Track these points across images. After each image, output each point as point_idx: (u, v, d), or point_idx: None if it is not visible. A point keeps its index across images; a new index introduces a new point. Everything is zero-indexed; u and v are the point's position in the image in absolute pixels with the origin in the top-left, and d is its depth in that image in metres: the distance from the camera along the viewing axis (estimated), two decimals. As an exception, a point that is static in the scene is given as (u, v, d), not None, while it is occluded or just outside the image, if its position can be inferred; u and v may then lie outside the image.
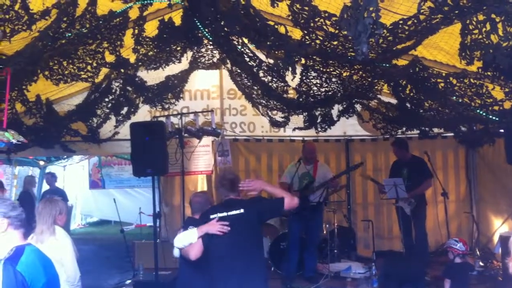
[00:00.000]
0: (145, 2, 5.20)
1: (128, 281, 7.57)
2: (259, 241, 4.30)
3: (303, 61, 5.14)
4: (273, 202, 4.33)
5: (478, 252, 8.14)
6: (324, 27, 3.82)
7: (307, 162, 7.63)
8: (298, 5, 3.75)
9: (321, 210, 7.66)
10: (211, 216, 4.17)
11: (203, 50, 6.99)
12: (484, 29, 3.25)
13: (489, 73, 4.04)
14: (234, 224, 4.07)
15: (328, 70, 5.29)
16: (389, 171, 8.36)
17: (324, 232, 8.31)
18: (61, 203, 4.57)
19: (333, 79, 5.63)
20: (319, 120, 7.39)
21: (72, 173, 16.86)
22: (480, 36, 3.33)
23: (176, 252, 4.73)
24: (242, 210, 4.13)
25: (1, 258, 2.68)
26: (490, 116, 5.22)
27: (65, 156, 13.58)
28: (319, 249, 8.18)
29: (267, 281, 4.27)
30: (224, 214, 4.15)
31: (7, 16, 3.84)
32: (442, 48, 5.13)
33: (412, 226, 7.71)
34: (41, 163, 14.30)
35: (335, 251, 8.10)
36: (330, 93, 5.96)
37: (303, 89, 5.87)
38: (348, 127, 9.20)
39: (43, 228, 4.29)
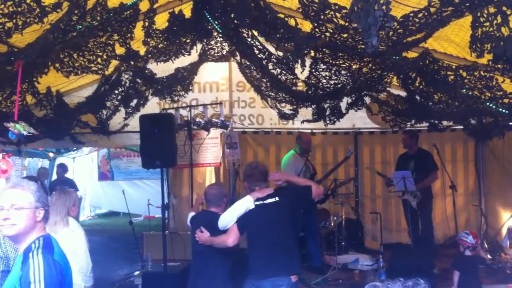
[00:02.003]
0: (156, -6, 5.21)
1: (137, 272, 7.61)
2: (293, 228, 4.45)
3: (312, 53, 5.14)
4: (303, 190, 4.44)
5: (486, 245, 8.14)
6: (334, 19, 3.82)
7: (302, 154, 7.66)
8: (308, -2, 3.75)
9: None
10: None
11: (212, 42, 6.99)
12: (495, 21, 3.25)
13: (499, 65, 4.03)
14: (270, 211, 4.24)
15: (337, 62, 5.29)
16: (396, 164, 8.36)
17: (332, 225, 8.33)
18: (75, 195, 4.63)
19: (343, 72, 5.63)
20: (327, 113, 7.38)
21: (81, 164, 16.98)
22: (491, 29, 3.32)
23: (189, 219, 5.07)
24: (277, 198, 4.29)
25: (26, 246, 2.71)
26: (500, 109, 5.22)
27: (75, 148, 13.68)
28: (326, 241, 8.21)
29: (300, 267, 4.42)
30: (261, 202, 4.28)
31: (19, 9, 3.87)
32: (453, 40, 5.11)
33: (419, 218, 7.73)
34: (51, 154, 14.40)
35: (343, 243, 8.12)
36: (339, 85, 5.96)
37: (312, 81, 5.87)
38: (357, 119, 9.18)
39: (57, 219, 4.34)
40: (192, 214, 5.23)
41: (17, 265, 2.68)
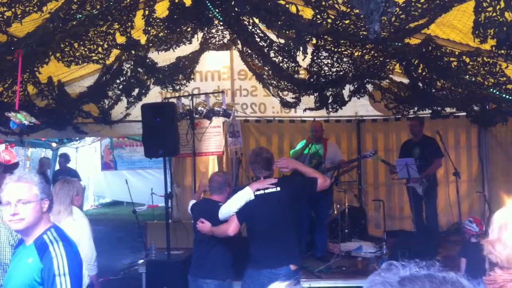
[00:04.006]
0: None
1: (141, 261, 7.65)
2: (294, 219, 4.41)
3: (314, 41, 5.10)
4: (307, 181, 4.38)
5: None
6: (336, 5, 3.78)
7: (314, 141, 7.64)
8: (309, -16, 3.71)
9: (331, 190, 7.62)
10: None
11: (213, 31, 6.94)
12: (498, 6, 3.20)
13: (502, 51, 3.98)
14: (270, 201, 4.21)
15: (339, 49, 5.24)
16: (399, 151, 8.34)
17: (335, 212, 8.34)
18: (78, 184, 4.65)
19: (345, 59, 5.59)
20: (330, 101, 7.34)
21: (84, 154, 17.02)
22: (494, 14, 3.28)
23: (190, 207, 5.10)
24: (278, 188, 4.24)
25: (35, 238, 2.72)
26: (503, 95, 5.18)
27: (77, 138, 13.70)
28: (330, 229, 8.22)
29: (299, 257, 4.44)
30: (261, 192, 4.24)
31: (18, -2, 3.84)
32: (456, 26, 5.06)
33: (423, 206, 7.72)
34: (54, 145, 14.44)
35: (346, 230, 8.13)
36: (341, 73, 5.91)
37: (314, 69, 5.83)
38: (360, 107, 9.16)
39: (61, 208, 4.35)
40: (193, 202, 5.23)
41: (30, 257, 2.67)
